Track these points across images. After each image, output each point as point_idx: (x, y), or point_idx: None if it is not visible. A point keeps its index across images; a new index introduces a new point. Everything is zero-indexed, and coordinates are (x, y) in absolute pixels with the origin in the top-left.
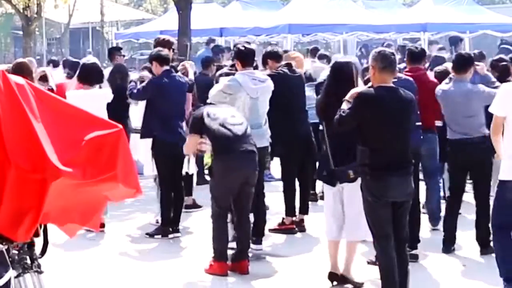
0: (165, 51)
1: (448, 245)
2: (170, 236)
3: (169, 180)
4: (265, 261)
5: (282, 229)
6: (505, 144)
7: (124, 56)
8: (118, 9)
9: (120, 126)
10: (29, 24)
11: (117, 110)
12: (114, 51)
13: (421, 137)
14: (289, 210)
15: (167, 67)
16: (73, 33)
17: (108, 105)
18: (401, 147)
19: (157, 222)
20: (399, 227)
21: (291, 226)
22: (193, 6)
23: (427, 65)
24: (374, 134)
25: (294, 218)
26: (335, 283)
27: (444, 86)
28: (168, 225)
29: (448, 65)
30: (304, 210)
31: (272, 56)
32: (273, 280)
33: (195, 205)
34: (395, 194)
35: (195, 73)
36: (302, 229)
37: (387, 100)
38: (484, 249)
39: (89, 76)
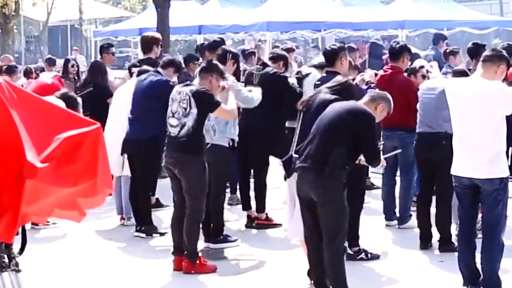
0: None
1: (425, 241)
2: (155, 236)
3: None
4: (242, 259)
5: (259, 224)
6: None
7: (114, 54)
8: (96, 7)
9: (98, 123)
10: (7, 22)
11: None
12: (103, 49)
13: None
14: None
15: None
16: (52, 31)
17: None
18: None
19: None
20: None
21: (267, 222)
22: (172, 4)
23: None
24: None
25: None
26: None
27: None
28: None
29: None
30: (260, 208)
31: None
32: (251, 277)
33: (158, 204)
34: None
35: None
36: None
37: None
38: (443, 247)
39: None
